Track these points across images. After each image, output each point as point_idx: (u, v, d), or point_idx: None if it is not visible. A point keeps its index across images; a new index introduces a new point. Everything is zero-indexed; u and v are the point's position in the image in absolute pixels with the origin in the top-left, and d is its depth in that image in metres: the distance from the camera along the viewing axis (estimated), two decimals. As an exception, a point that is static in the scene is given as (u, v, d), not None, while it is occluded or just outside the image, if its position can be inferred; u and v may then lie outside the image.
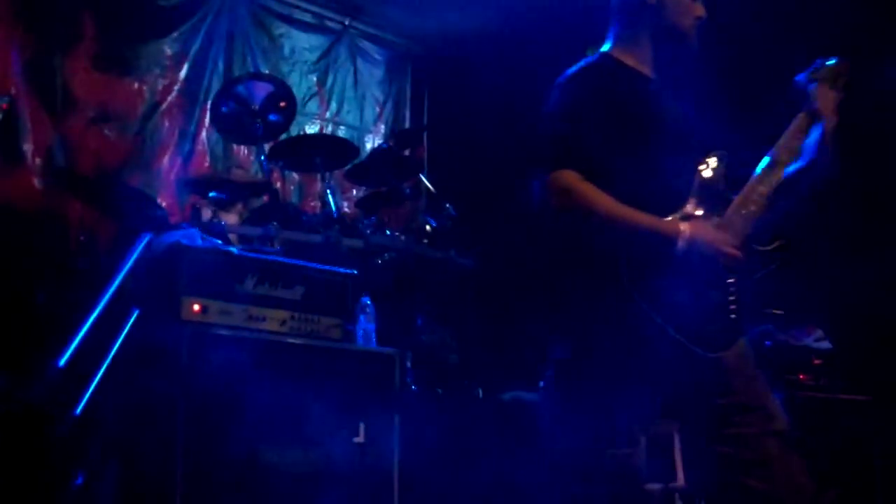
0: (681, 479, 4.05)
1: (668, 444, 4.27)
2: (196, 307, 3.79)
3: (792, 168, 2.97)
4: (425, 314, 5.32)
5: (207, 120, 6.45)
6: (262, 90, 5.60)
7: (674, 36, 3.07)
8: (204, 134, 6.67)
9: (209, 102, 6.19)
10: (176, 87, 6.60)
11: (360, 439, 4.04)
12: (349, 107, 7.64)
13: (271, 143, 5.68)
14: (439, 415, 4.91)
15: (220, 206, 5.00)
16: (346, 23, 7.68)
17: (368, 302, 4.58)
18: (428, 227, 5.48)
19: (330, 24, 7.63)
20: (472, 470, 4.88)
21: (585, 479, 2.80)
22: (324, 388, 3.97)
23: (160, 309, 3.89)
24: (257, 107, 5.53)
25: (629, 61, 3.06)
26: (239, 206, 5.18)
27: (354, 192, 7.10)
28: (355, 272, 4.36)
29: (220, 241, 4.26)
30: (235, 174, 6.40)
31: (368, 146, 7.52)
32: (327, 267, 4.26)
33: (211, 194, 5.00)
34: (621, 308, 2.72)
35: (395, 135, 6.97)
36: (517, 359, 5.93)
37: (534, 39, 7.32)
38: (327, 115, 7.48)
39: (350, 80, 7.69)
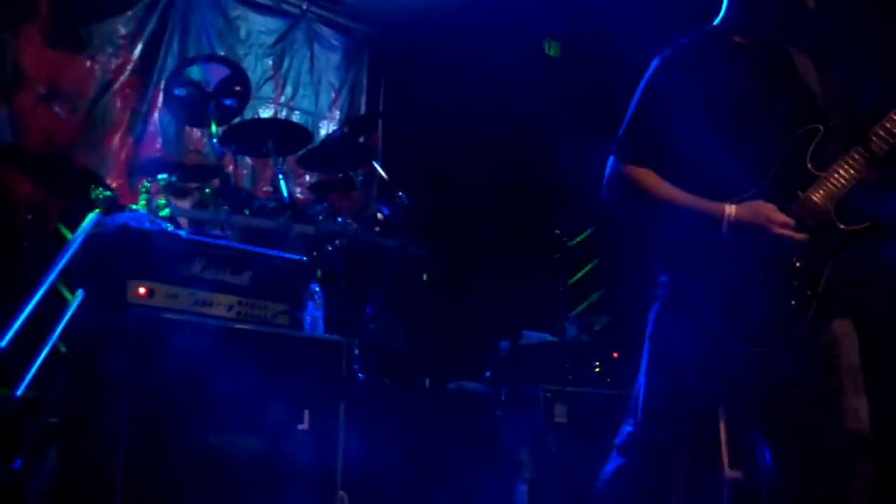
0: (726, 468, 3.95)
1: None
2: (142, 290, 3.75)
3: None
4: (375, 302, 5.32)
5: (160, 101, 6.39)
6: (217, 73, 5.56)
7: None
8: (156, 115, 6.61)
9: (162, 83, 6.13)
10: (129, 67, 6.53)
11: (304, 426, 4.03)
12: (304, 92, 7.60)
13: (224, 127, 5.63)
14: (386, 403, 4.92)
15: (171, 188, 4.95)
16: (304, 7, 7.63)
17: (317, 289, 4.57)
18: (380, 215, 5.47)
19: (287, 7, 7.58)
20: (417, 459, 4.90)
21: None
22: (270, 374, 3.95)
23: (105, 291, 3.84)
24: (211, 89, 5.50)
25: (738, 37, 2.93)
26: (191, 190, 5.14)
27: (307, 177, 7.08)
28: (305, 258, 4.35)
29: (169, 225, 4.23)
30: (188, 157, 6.35)
31: (323, 132, 7.50)
32: (276, 253, 4.24)
33: (162, 176, 4.95)
34: (673, 296, 2.76)
35: (350, 121, 6.95)
36: (466, 349, 5.95)
37: (492, 28, 7.34)
38: (282, 99, 7.43)
39: (306, 64, 7.64)
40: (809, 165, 2.74)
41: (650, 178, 2.80)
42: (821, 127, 2.76)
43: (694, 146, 2.78)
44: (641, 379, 2.86)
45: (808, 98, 2.85)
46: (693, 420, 2.77)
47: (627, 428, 2.87)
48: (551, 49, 8.23)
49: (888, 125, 2.71)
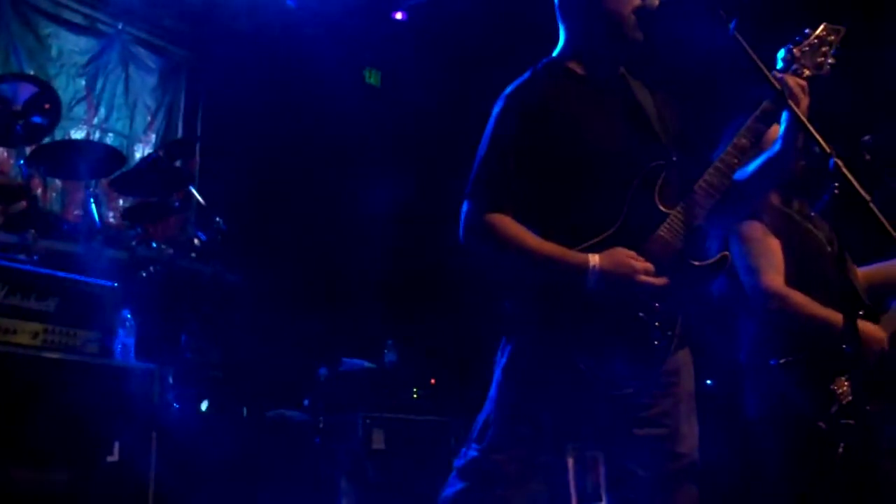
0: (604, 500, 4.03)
1: (595, 465, 4.28)
2: (-62, 318, 3.57)
3: (749, 168, 2.86)
4: (191, 330, 5.21)
5: (-37, 119, 6.08)
6: (25, 91, 5.34)
7: (612, 26, 2.88)
8: (-41, 133, 6.29)
9: (-34, 100, 5.85)
10: (-70, 84, 6.20)
11: (114, 458, 3.91)
12: (119, 114, 7.39)
13: (33, 147, 5.42)
14: (202, 433, 4.81)
15: (-27, 210, 4.74)
16: (120, 27, 7.43)
17: (129, 316, 4.44)
18: (196, 241, 5.38)
19: (102, 27, 7.36)
20: (234, 490, 4.81)
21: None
22: (77, 404, 3.81)
23: None
24: (19, 107, 5.27)
25: (575, 65, 2.95)
26: (-5, 211, 4.92)
27: (121, 201, 6.87)
28: (116, 284, 4.22)
29: (-31, 249, 4.04)
30: (-8, 178, 6.08)
31: (138, 155, 7.29)
32: (85, 278, 4.11)
33: (-37, 197, 4.72)
34: (537, 338, 2.75)
35: (166, 145, 6.80)
36: (285, 376, 5.90)
37: (313, 55, 7.34)
38: (95, 120, 7.20)
39: (121, 86, 7.43)
40: (658, 203, 2.78)
41: (510, 227, 2.78)
42: (664, 163, 2.81)
43: (545, 189, 2.81)
44: (491, 406, 2.87)
45: (651, 132, 2.90)
46: (542, 451, 2.79)
47: (471, 452, 2.85)
48: (371, 77, 8.30)
49: (726, 158, 2.79)
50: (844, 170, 2.43)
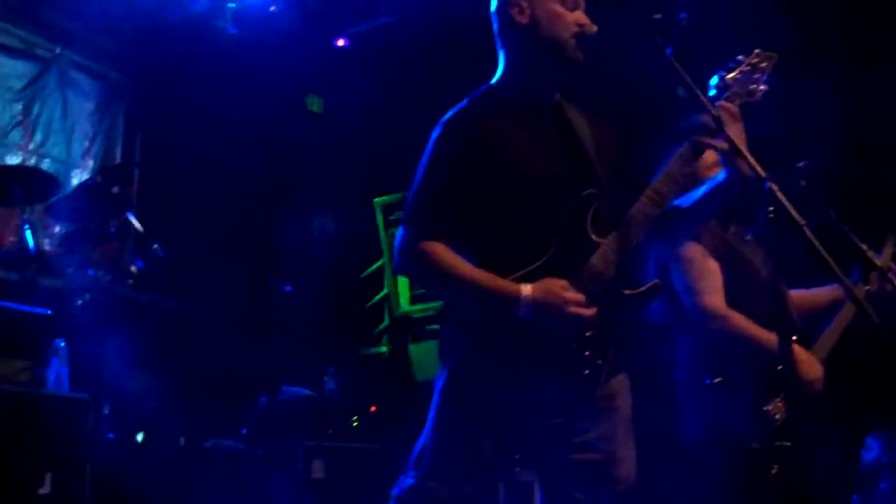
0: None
1: (529, 491, 4.26)
2: None
3: (695, 194, 2.87)
4: (127, 359, 5.12)
5: None
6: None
7: (551, 51, 2.89)
8: None
9: None
10: None
11: (45, 491, 3.82)
12: (56, 139, 7.26)
13: (-36, 173, 5.32)
14: (137, 464, 4.73)
15: None
16: (58, 51, 7.33)
17: (62, 344, 4.37)
18: (133, 268, 5.31)
19: (40, 51, 7.24)
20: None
21: None
22: (8, 435, 3.73)
23: None
24: (-50, 132, 5.20)
25: (512, 93, 2.96)
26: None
27: (57, 228, 6.76)
28: (49, 312, 4.15)
29: None
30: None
31: (75, 181, 7.17)
32: (16, 306, 4.04)
33: None
34: (471, 364, 2.74)
35: (103, 170, 6.70)
36: (223, 405, 5.83)
37: (254, 82, 7.32)
38: (31, 146, 7.08)
39: (58, 111, 7.31)
40: (591, 232, 2.78)
41: (443, 255, 2.78)
42: (597, 192, 2.81)
43: (480, 217, 2.81)
44: (429, 431, 2.86)
45: (586, 160, 2.91)
46: (478, 476, 2.79)
47: (409, 480, 2.84)
48: (314, 105, 8.28)
49: (658, 186, 2.78)
50: (779, 194, 2.47)
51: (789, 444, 3.36)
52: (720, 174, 2.85)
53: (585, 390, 2.75)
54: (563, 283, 2.70)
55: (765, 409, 3.44)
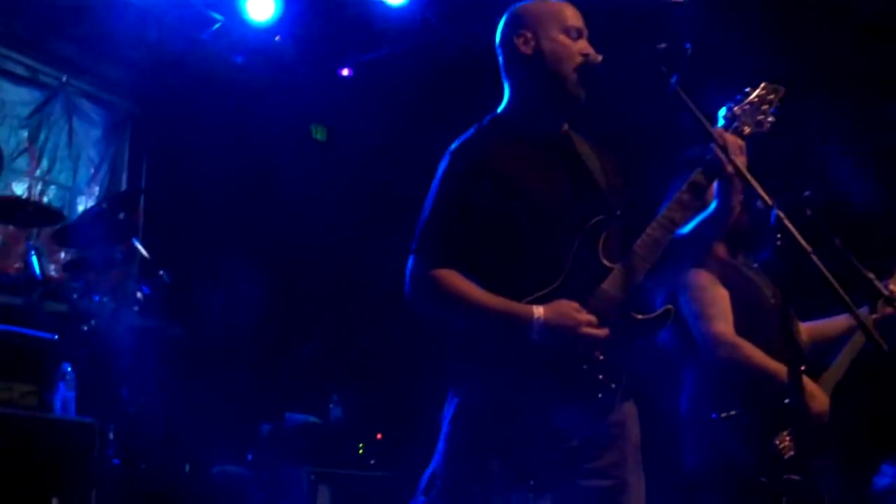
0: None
1: None
2: None
3: (687, 227, 2.87)
4: (132, 384, 5.13)
5: None
6: (-36, 143, 5.30)
7: (553, 84, 2.91)
8: None
9: None
10: None
11: (51, 514, 3.82)
12: (62, 166, 7.31)
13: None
14: (143, 490, 4.73)
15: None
16: (64, 79, 7.37)
17: (69, 369, 4.37)
18: (139, 294, 5.32)
19: (45, 79, 7.29)
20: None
21: None
22: (14, 459, 3.73)
23: None
24: (-43, 158, 5.23)
25: (519, 122, 2.97)
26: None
27: (63, 254, 6.78)
28: (56, 337, 4.16)
29: None
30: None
31: (81, 208, 7.21)
32: (23, 330, 4.05)
33: None
34: (483, 390, 2.74)
35: (109, 197, 6.74)
36: (228, 432, 5.82)
37: (259, 110, 7.36)
38: (37, 173, 7.12)
39: (64, 138, 7.36)
40: (602, 258, 2.79)
41: (455, 280, 2.79)
42: (607, 217, 2.82)
43: (491, 244, 2.82)
44: (439, 458, 2.86)
45: (594, 187, 2.92)
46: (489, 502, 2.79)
47: None
48: (318, 133, 8.32)
49: (668, 213, 2.79)
50: (787, 222, 2.48)
51: (798, 478, 3.36)
52: (712, 204, 2.88)
53: (599, 414, 2.74)
54: (576, 304, 2.71)
55: (773, 442, 3.44)
